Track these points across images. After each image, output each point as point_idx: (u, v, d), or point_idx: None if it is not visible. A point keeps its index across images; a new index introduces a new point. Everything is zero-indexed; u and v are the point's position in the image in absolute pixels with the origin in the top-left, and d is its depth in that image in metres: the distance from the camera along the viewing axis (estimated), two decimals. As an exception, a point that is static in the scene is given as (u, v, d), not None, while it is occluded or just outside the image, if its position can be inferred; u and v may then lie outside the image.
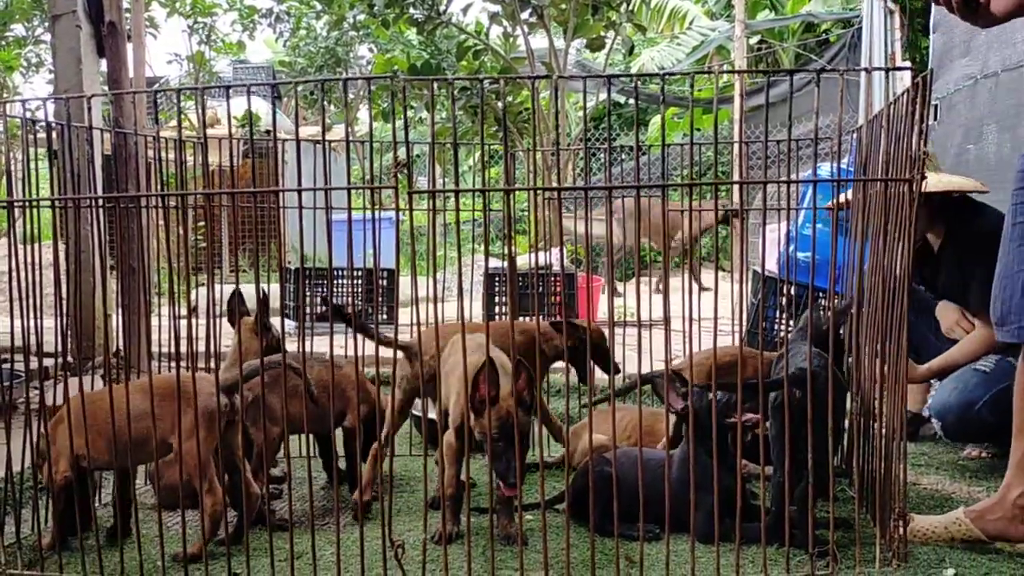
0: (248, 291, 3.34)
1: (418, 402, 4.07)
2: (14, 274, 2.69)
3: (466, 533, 2.53)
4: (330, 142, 3.03)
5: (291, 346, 3.49)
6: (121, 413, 2.57)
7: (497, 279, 6.36)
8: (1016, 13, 2.32)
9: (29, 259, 2.69)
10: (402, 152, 2.32)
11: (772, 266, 5.45)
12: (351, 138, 2.21)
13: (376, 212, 2.35)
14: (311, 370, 3.00)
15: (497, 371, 2.61)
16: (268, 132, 9.37)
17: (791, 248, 4.97)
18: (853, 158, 4.02)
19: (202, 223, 6.73)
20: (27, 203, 2.80)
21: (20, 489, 2.92)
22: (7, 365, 4.39)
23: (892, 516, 2.51)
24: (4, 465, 2.80)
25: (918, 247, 3.76)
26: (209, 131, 3.13)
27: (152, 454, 2.67)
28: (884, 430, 2.60)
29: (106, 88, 5.27)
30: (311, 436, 3.42)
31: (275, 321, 3.49)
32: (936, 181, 3.61)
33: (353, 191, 2.49)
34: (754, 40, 12.75)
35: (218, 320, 2.96)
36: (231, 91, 2.54)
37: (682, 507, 2.57)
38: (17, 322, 2.77)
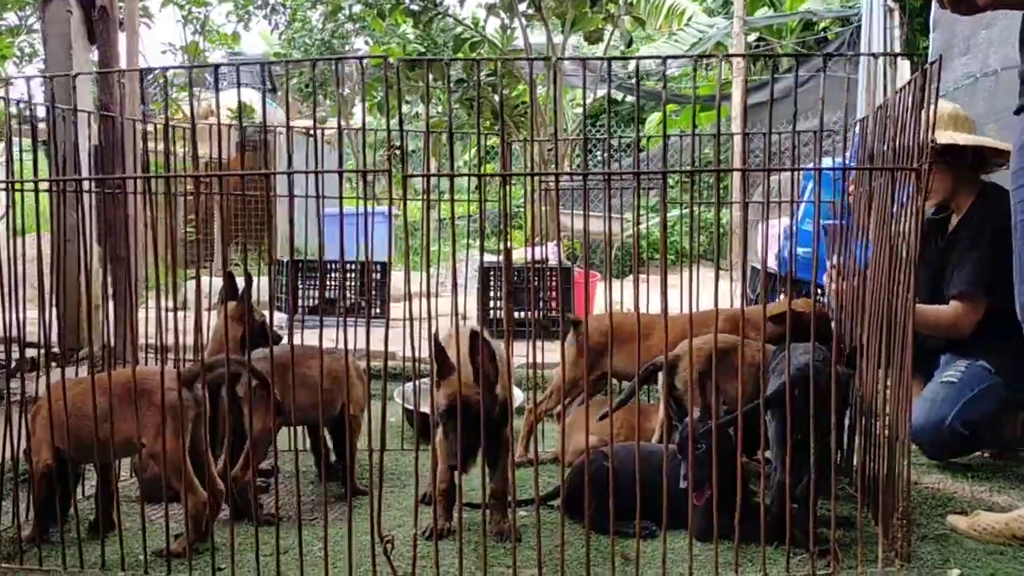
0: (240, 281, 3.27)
1: (409, 395, 4.00)
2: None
3: (458, 529, 2.46)
4: (322, 129, 2.96)
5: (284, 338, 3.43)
6: (87, 411, 2.50)
7: (492, 273, 6.29)
8: (998, 5, 2.39)
9: (11, 248, 2.61)
10: (396, 138, 2.24)
11: (772, 262, 5.39)
12: (344, 128, 2.13)
13: (368, 203, 2.28)
14: (315, 363, 2.93)
15: (442, 346, 2.56)
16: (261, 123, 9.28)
17: (791, 243, 4.90)
18: (856, 152, 3.97)
19: (192, 215, 6.63)
20: (9, 186, 2.72)
21: (0, 481, 2.84)
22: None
23: (895, 515, 2.44)
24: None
25: (940, 218, 3.67)
26: (201, 123, 3.05)
27: (123, 450, 2.61)
28: (887, 428, 2.54)
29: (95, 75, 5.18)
30: (299, 428, 3.36)
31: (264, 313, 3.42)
32: (969, 137, 3.53)
33: (347, 183, 2.41)
34: (752, 37, 12.70)
35: (207, 312, 2.90)
36: (225, 83, 2.47)
37: (680, 504, 2.51)
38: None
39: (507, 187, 2.46)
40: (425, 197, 2.34)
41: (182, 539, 2.57)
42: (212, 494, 2.58)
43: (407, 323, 2.39)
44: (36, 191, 2.76)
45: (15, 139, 2.78)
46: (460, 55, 8.36)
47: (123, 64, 7.28)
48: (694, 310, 3.87)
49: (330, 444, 3.33)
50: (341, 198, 2.37)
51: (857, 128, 3.64)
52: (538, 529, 2.38)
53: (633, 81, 11.66)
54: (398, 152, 2.12)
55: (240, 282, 3.26)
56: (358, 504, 2.96)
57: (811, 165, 4.96)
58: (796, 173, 5.06)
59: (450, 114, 2.51)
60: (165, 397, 2.48)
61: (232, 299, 3.27)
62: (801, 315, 3.18)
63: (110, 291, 3.98)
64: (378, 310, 6.54)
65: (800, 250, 4.89)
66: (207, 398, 2.66)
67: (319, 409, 2.63)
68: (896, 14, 9.60)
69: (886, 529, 2.50)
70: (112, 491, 2.73)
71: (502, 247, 4.16)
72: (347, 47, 11.40)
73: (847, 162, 3.97)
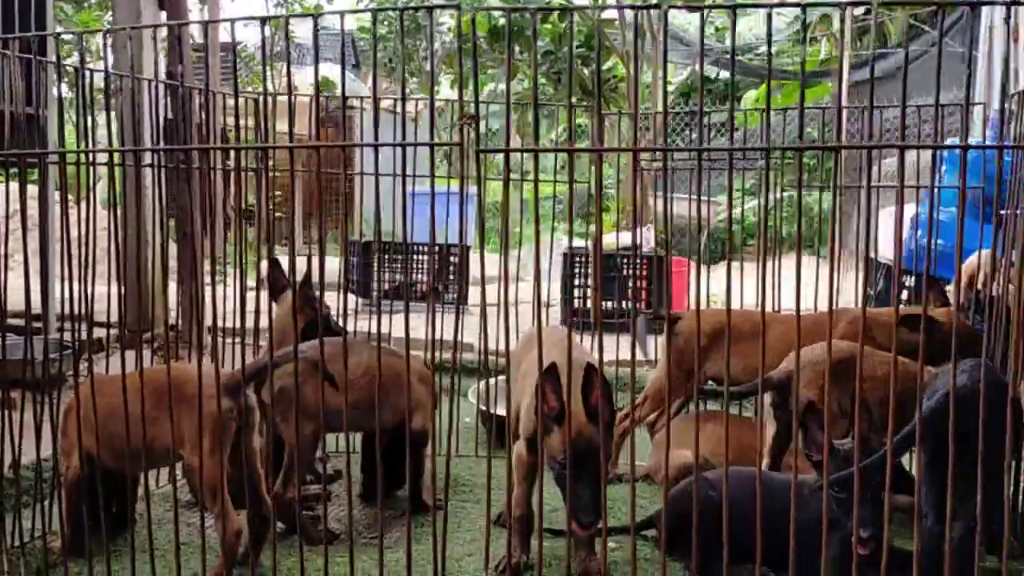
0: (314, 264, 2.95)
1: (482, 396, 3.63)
2: (64, 236, 2.32)
3: (537, 564, 2.10)
4: (393, 100, 2.65)
5: (358, 324, 3.12)
6: (122, 415, 2.18)
7: (577, 259, 5.89)
8: None
9: (83, 222, 2.33)
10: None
11: (887, 253, 4.86)
12: (417, 99, 1.80)
13: (452, 182, 1.94)
14: (360, 356, 2.57)
15: (559, 379, 2.16)
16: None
17: (918, 234, 4.38)
18: (995, 132, 3.44)
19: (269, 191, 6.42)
20: (80, 156, 2.45)
21: (38, 484, 2.61)
22: (55, 336, 4.13)
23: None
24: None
25: None
26: (285, 97, 2.77)
27: (159, 459, 2.33)
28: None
29: (165, 45, 4.96)
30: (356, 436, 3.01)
31: (335, 297, 3.09)
32: None
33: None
34: (860, 10, 11.95)
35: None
36: (308, 57, 2.14)
37: (810, 545, 2.07)
38: (67, 290, 2.38)
39: (600, 164, 2.10)
40: (504, 174, 1.95)
41: (218, 566, 2.26)
42: (259, 516, 2.27)
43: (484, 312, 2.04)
44: (110, 164, 2.44)
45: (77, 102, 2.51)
46: (549, 24, 7.95)
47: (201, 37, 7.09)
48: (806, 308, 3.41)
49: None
50: (415, 175, 2.02)
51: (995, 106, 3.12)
52: (633, 568, 2.00)
53: (729, 56, 11.11)
54: (472, 124, 1.75)
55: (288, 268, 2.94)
56: (427, 522, 2.59)
57: (944, 143, 4.41)
58: (924, 152, 4.51)
59: (535, 86, 2.13)
60: (205, 406, 2.16)
61: (282, 287, 2.96)
62: (940, 325, 2.68)
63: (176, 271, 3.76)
64: (455, 294, 6.21)
65: (938, 242, 4.34)
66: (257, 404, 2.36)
67: (375, 413, 2.25)
68: (1022, -14, 8.83)
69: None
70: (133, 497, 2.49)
71: (590, 231, 3.76)
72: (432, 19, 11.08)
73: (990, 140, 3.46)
